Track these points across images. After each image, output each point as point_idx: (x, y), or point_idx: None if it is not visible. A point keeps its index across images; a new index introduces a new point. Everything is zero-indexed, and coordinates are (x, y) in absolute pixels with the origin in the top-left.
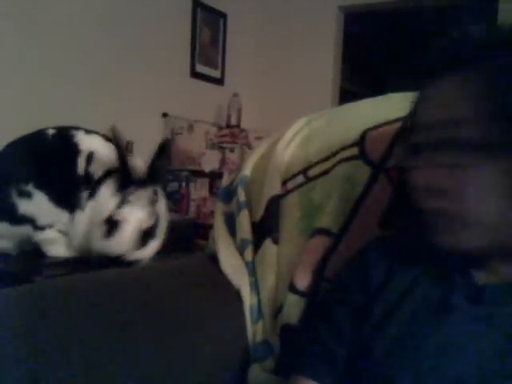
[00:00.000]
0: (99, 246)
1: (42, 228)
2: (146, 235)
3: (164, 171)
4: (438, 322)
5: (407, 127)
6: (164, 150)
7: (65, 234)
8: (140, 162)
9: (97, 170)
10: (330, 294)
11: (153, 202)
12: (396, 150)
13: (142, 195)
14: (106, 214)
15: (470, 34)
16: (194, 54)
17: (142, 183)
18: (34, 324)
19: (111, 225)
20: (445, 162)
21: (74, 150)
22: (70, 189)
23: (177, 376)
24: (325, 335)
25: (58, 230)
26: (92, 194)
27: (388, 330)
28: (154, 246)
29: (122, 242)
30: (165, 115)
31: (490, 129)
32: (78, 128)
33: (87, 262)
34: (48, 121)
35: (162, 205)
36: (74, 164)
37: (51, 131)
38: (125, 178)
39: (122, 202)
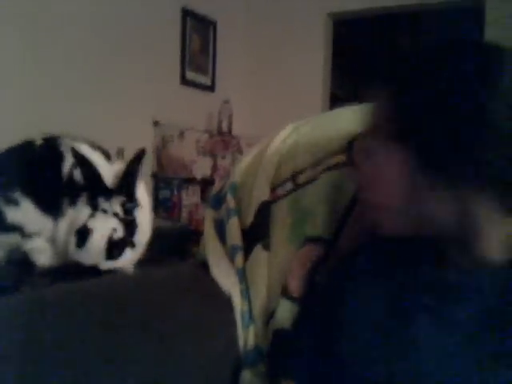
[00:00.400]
0: (73, 256)
1: (29, 236)
2: (118, 245)
3: (136, 180)
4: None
5: None
6: (140, 158)
7: (51, 242)
8: (118, 169)
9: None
10: (317, 302)
11: (128, 211)
12: None
13: (114, 204)
14: (79, 223)
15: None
16: (184, 62)
17: (116, 192)
18: (34, 331)
19: (82, 234)
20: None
21: (59, 156)
22: (54, 195)
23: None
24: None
25: (45, 239)
26: (73, 202)
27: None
28: (131, 255)
29: (91, 252)
30: (156, 123)
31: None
32: (64, 136)
33: (69, 271)
34: (37, 127)
35: (143, 213)
36: (59, 170)
37: (38, 140)
38: (97, 187)
39: (94, 212)
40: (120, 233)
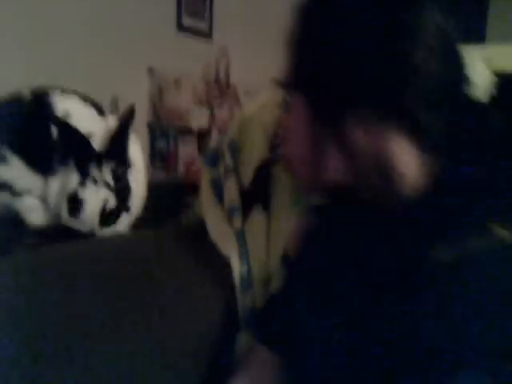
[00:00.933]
0: (66, 221)
1: (19, 194)
2: (112, 213)
3: (127, 141)
4: None
5: None
6: (130, 118)
7: (42, 200)
8: (110, 125)
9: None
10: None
11: (120, 176)
12: None
13: (105, 171)
14: (70, 189)
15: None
16: (180, 6)
17: (106, 156)
18: (32, 291)
19: (74, 204)
20: None
21: (47, 112)
22: (44, 153)
23: (164, 348)
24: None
25: (36, 197)
26: (63, 161)
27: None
28: (125, 220)
29: (84, 222)
30: (151, 71)
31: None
32: (54, 89)
33: (62, 231)
34: (30, 74)
35: (137, 174)
36: (48, 127)
37: (26, 93)
38: (85, 154)
39: (84, 180)
40: (112, 202)
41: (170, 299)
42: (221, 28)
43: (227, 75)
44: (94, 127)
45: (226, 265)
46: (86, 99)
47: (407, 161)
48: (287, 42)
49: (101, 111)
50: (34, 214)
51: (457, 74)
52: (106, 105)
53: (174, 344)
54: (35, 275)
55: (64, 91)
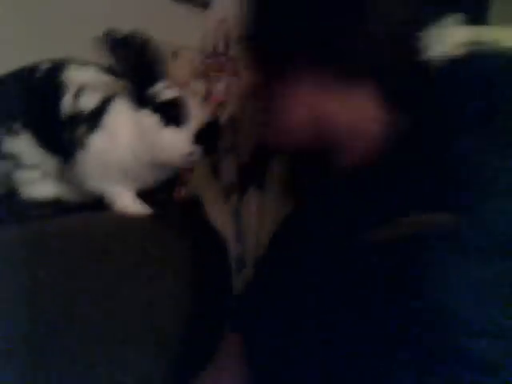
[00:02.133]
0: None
1: (24, 167)
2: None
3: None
4: None
5: None
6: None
7: (50, 176)
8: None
9: (91, 103)
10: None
11: None
12: None
13: None
14: (124, 139)
15: None
16: None
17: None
18: (34, 264)
19: (172, 111)
20: None
21: (60, 88)
22: (56, 130)
23: (156, 321)
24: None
25: (41, 172)
26: (92, 127)
27: None
28: None
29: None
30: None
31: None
32: (71, 61)
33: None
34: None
35: None
36: (59, 104)
37: (44, 66)
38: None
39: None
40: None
41: (164, 278)
42: None
43: (226, 47)
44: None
45: (220, 244)
46: (105, 69)
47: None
48: None
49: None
50: (36, 187)
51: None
52: None
53: (161, 325)
54: (26, 250)
55: (82, 63)
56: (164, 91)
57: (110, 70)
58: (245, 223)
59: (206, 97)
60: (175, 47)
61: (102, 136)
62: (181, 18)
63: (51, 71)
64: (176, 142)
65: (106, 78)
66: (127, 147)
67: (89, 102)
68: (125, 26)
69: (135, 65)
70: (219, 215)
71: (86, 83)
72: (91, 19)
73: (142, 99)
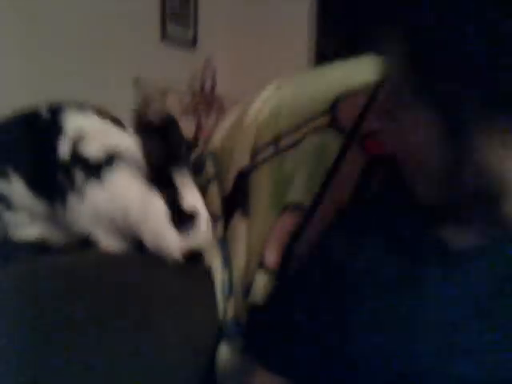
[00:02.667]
0: (163, 239)
1: (14, 209)
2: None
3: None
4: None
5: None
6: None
7: (39, 218)
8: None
9: (93, 152)
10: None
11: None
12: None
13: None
14: (130, 203)
15: None
16: (164, 15)
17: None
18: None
19: (184, 217)
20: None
21: (56, 132)
22: (49, 174)
23: (144, 361)
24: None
25: (30, 215)
26: (91, 177)
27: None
28: None
29: (203, 237)
30: (136, 81)
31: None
32: (69, 104)
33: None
34: (18, 85)
35: None
36: (55, 147)
37: (42, 109)
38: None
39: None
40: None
41: (156, 312)
42: (206, 37)
43: (213, 85)
44: (124, 143)
45: (207, 273)
46: (106, 114)
47: None
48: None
49: (121, 125)
50: (24, 229)
51: None
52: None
53: (155, 356)
54: (33, 287)
55: (80, 107)
56: (185, 192)
57: (108, 115)
58: (232, 250)
59: (196, 132)
60: (164, 86)
61: (101, 190)
62: (170, 57)
63: (48, 115)
64: (174, 245)
65: (105, 126)
66: (125, 210)
67: (89, 150)
68: (116, 65)
69: (159, 147)
70: None
71: (85, 130)
72: (82, 57)
73: (158, 181)
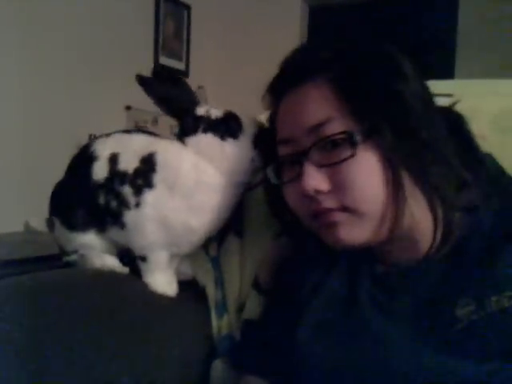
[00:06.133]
0: None
1: (66, 254)
2: None
3: None
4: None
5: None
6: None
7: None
8: None
9: (128, 165)
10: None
11: None
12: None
13: None
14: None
15: (313, 44)
16: (157, 46)
17: None
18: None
19: (227, 124)
20: (324, 162)
21: (89, 159)
22: (90, 201)
23: (138, 377)
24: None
25: (81, 255)
26: (142, 186)
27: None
28: None
29: None
30: (128, 108)
31: (356, 123)
32: (98, 136)
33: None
34: (8, 114)
35: None
36: (90, 173)
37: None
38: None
39: None
40: None
41: (150, 327)
42: (197, 67)
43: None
44: (156, 144)
45: (201, 292)
46: (132, 131)
47: (423, 213)
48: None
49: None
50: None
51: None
52: (83, 143)
53: (149, 370)
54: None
55: (108, 134)
56: (210, 111)
57: (135, 130)
58: (224, 271)
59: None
60: (156, 112)
61: (160, 191)
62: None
63: (82, 150)
64: (239, 151)
65: (134, 139)
66: (190, 179)
67: (126, 165)
68: (108, 93)
69: (171, 97)
70: (198, 265)
71: (117, 149)
72: (79, 83)
73: (188, 127)
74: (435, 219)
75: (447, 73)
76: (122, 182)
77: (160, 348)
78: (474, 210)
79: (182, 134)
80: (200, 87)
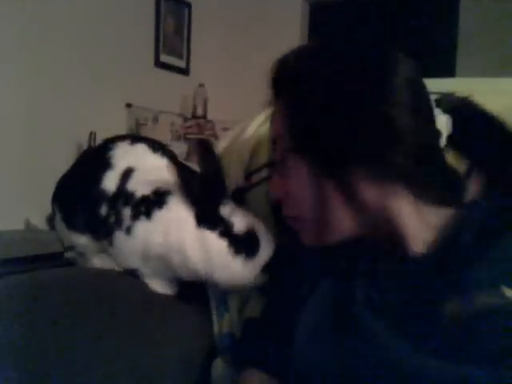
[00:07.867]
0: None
1: (66, 249)
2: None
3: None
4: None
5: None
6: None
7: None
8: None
9: (138, 187)
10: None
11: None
12: None
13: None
14: (181, 236)
15: (294, 53)
16: (158, 44)
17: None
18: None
19: (242, 241)
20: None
21: (104, 164)
22: (92, 208)
23: (139, 377)
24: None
25: (78, 253)
26: (140, 215)
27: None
28: None
29: (268, 252)
30: (128, 105)
31: (291, 140)
32: (124, 138)
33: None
34: (8, 112)
35: None
36: (100, 180)
37: (100, 144)
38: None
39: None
40: None
41: (150, 327)
42: (198, 65)
43: (205, 111)
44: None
45: (201, 292)
46: (156, 147)
47: (409, 213)
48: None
49: (173, 157)
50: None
51: (431, 128)
52: (84, 141)
53: (150, 370)
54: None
55: (134, 140)
56: (234, 216)
57: (159, 147)
58: None
59: (187, 156)
60: (156, 110)
61: (152, 228)
62: (162, 83)
63: (102, 147)
64: (245, 273)
65: (155, 161)
66: (180, 253)
67: (137, 187)
68: (109, 90)
69: (211, 175)
70: None
71: (134, 164)
72: (80, 81)
73: (208, 218)
74: (422, 218)
75: (448, 72)
76: (126, 203)
77: (160, 348)
78: (465, 207)
79: (200, 218)
80: (201, 85)
